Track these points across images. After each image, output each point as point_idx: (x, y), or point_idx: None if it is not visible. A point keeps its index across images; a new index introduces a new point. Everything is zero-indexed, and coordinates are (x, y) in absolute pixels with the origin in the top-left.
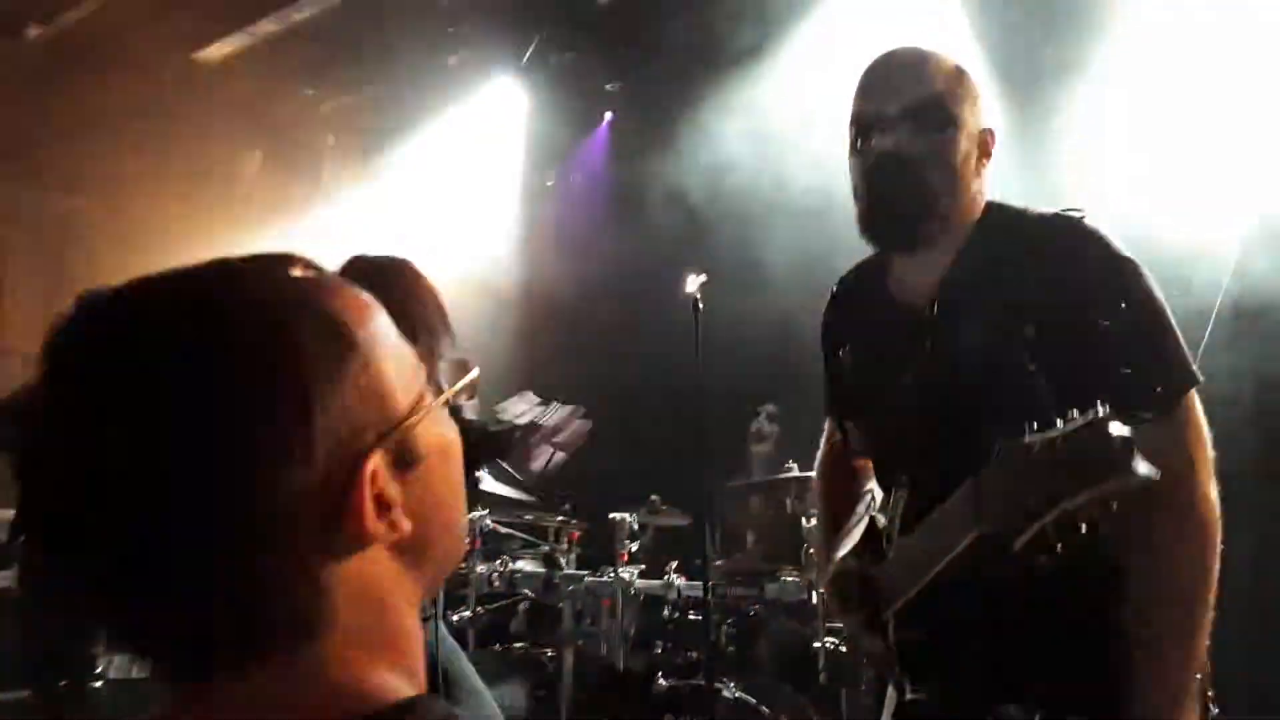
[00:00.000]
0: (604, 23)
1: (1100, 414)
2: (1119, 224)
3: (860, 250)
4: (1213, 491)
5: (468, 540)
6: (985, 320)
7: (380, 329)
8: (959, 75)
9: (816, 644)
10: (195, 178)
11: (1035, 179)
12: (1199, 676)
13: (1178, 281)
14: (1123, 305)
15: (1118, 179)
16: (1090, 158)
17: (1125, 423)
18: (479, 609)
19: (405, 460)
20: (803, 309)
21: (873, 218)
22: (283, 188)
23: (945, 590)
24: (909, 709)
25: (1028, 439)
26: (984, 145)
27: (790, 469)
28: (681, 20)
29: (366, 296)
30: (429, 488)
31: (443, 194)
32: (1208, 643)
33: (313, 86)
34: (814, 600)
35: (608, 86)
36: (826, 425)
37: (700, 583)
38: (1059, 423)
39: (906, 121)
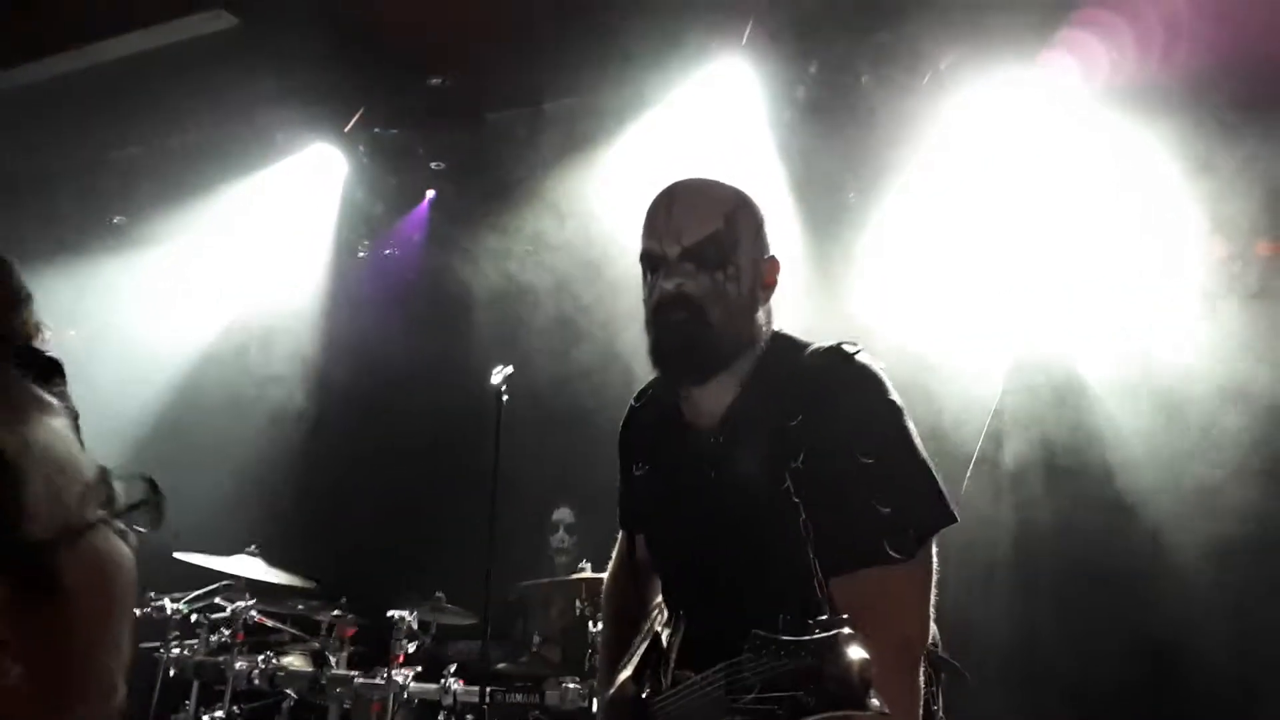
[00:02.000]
0: (434, 101)
1: (845, 632)
2: (897, 352)
3: None
4: (923, 631)
5: (121, 695)
6: (761, 451)
7: (34, 436)
8: (740, 207)
9: None
10: None
11: (830, 298)
12: None
13: (948, 413)
14: (885, 446)
15: (903, 306)
16: (882, 282)
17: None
18: (236, 708)
19: (33, 591)
20: (604, 409)
21: (660, 354)
22: None
23: None
24: None
25: (779, 638)
26: (768, 274)
27: (583, 569)
28: (512, 111)
29: (34, 397)
30: (69, 628)
31: (251, 251)
32: None
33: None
34: (593, 709)
35: (432, 164)
36: (620, 537)
37: (476, 688)
38: (809, 624)
39: (686, 263)
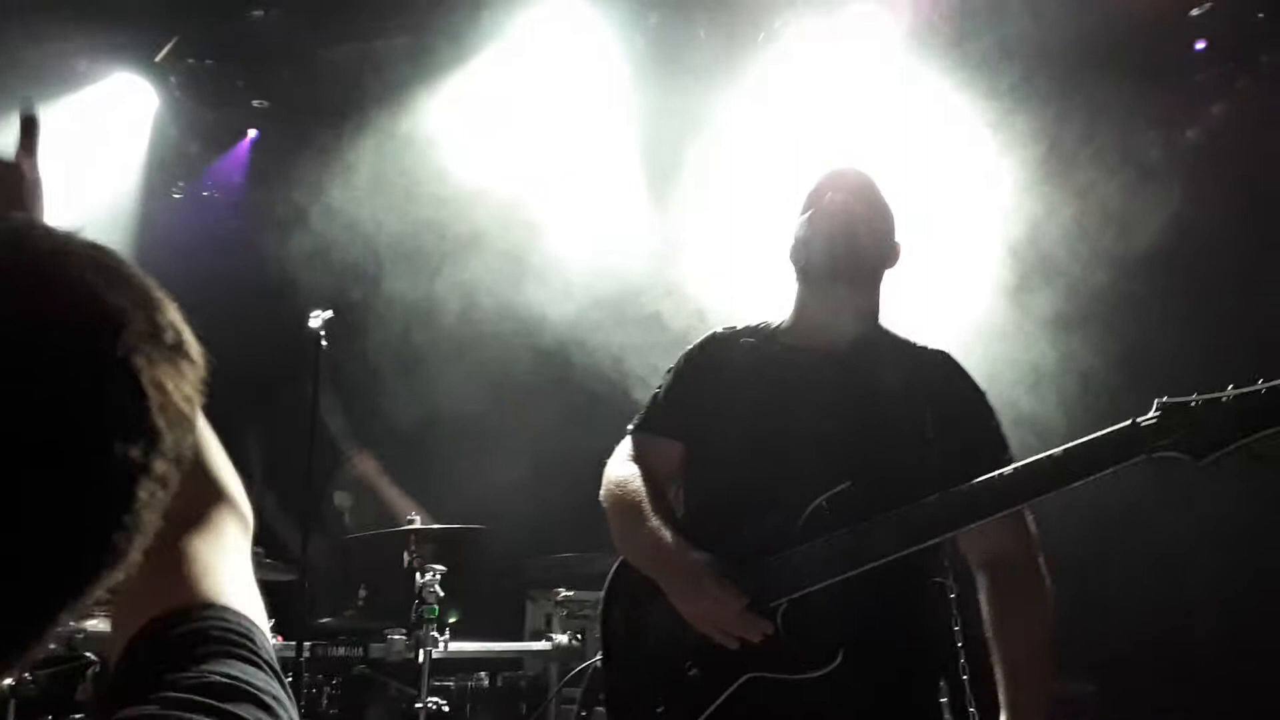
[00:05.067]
0: (256, 34)
1: None
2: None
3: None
4: (1044, 568)
5: None
6: (896, 382)
7: None
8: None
9: (419, 705)
10: None
11: (665, 249)
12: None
13: None
14: (998, 417)
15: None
16: (712, 238)
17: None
18: (28, 675)
19: None
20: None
21: (827, 241)
22: None
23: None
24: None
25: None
26: (897, 250)
27: (412, 520)
28: (342, 46)
29: None
30: None
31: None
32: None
33: None
34: (420, 660)
35: (255, 102)
36: (633, 446)
37: (294, 643)
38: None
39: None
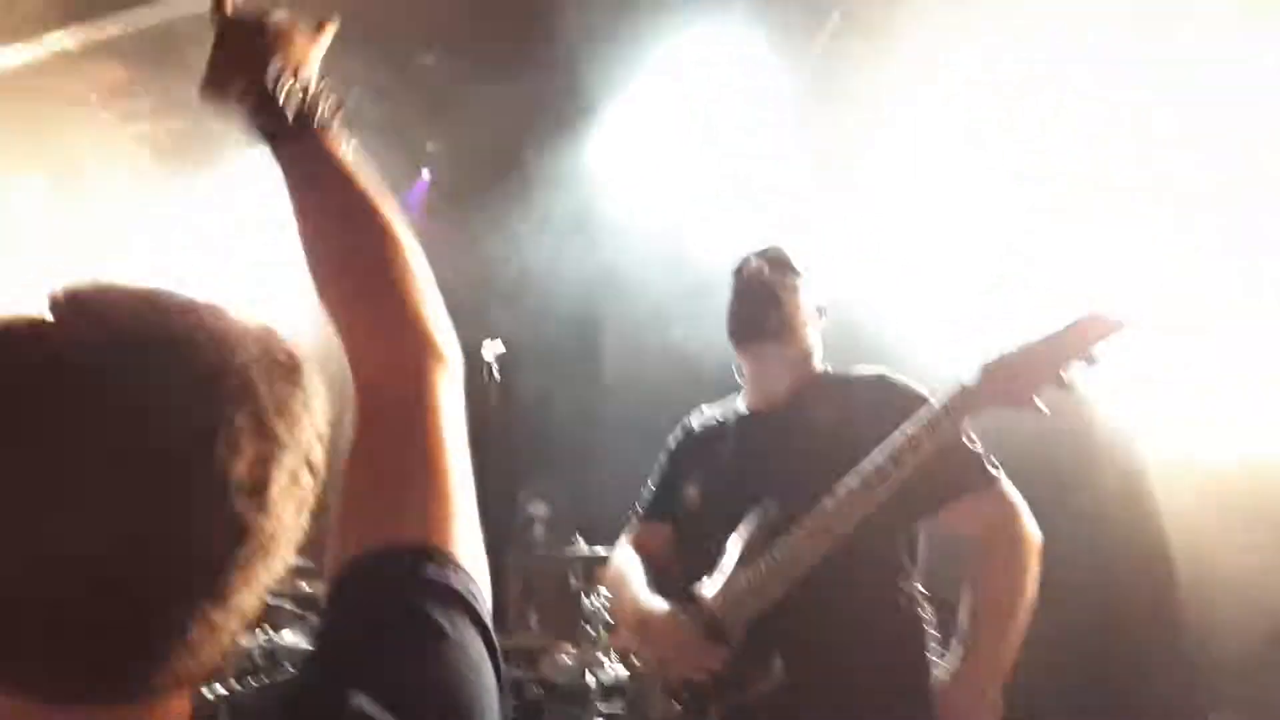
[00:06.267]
0: (428, 80)
1: None
2: None
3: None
4: (1032, 532)
5: None
6: (834, 414)
7: None
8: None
9: None
10: None
11: None
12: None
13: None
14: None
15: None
16: None
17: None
18: (235, 684)
19: None
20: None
21: (742, 305)
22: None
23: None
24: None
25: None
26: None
27: (576, 543)
28: (506, 87)
29: None
30: None
31: (245, 232)
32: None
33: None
34: (589, 681)
35: (428, 145)
36: (631, 533)
37: None
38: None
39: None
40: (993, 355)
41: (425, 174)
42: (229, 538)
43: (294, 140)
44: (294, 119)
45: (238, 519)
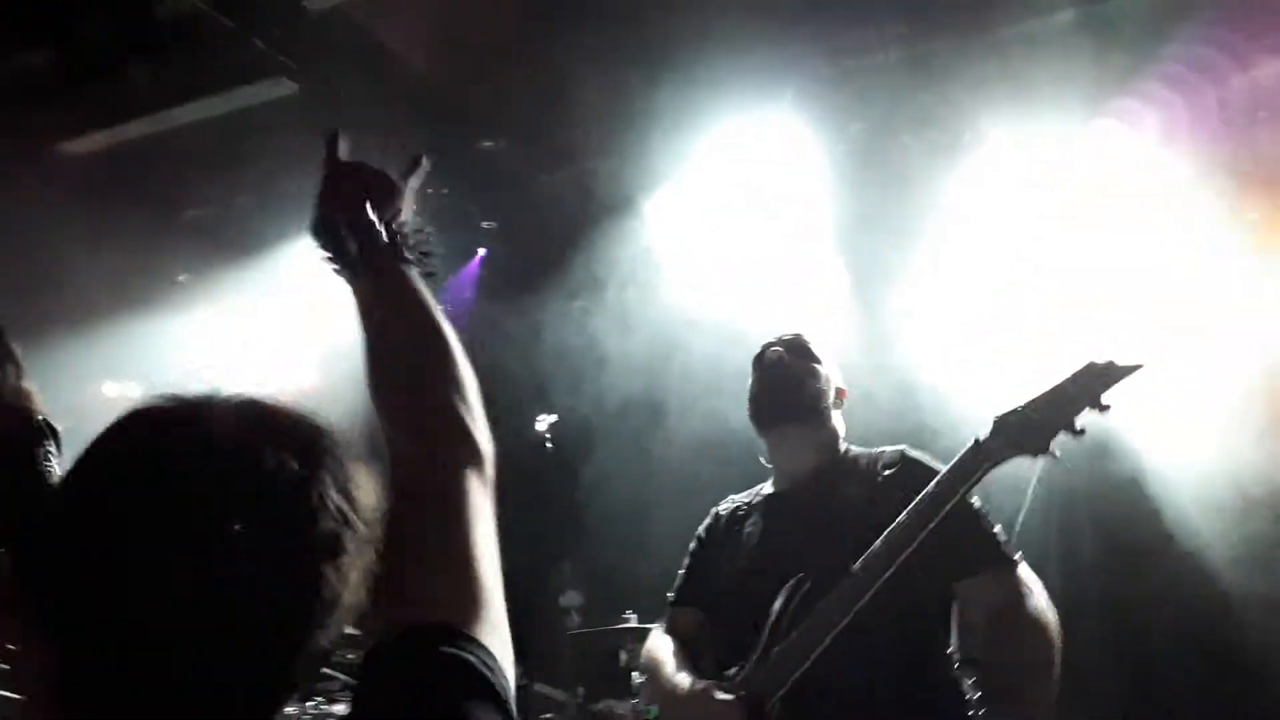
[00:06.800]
0: (485, 163)
1: None
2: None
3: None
4: (1046, 611)
5: None
6: (858, 490)
7: None
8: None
9: None
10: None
11: (874, 352)
12: None
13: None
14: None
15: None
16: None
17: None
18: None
19: None
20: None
21: (766, 390)
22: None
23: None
24: None
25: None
26: (839, 392)
27: (628, 619)
28: (560, 172)
29: None
30: None
31: (303, 312)
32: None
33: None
34: None
35: (484, 224)
36: (666, 619)
37: None
38: None
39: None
40: (1005, 408)
41: (481, 251)
42: (309, 593)
43: (384, 269)
44: (389, 253)
45: (319, 578)
